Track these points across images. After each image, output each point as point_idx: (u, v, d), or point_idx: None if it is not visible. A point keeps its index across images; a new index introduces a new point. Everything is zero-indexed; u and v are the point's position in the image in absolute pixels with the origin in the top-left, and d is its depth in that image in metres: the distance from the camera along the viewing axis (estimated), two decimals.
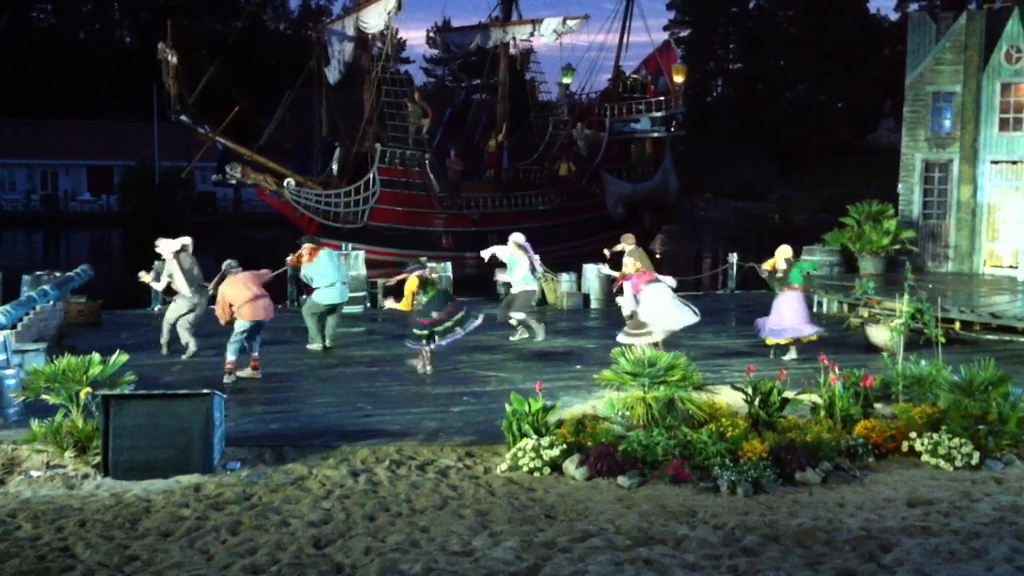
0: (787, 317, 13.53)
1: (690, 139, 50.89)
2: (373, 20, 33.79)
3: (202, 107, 31.33)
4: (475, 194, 35.79)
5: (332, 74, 34.67)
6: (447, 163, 35.47)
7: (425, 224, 33.56)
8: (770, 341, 13.59)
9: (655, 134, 42.42)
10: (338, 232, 30.68)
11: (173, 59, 29.31)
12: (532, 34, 39.43)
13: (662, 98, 41.84)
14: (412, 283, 12.35)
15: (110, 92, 68.39)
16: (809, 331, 13.56)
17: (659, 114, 41.83)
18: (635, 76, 43.37)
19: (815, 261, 17.52)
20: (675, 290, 13.67)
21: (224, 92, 31.05)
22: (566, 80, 42.62)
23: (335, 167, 33.54)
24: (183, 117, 30.45)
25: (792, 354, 13.56)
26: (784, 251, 13.89)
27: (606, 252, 15.34)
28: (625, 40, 44.43)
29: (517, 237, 14.86)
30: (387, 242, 31.86)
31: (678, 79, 42.22)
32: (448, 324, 12.25)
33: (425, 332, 12.22)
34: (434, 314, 12.22)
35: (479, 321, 12.65)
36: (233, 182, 33.15)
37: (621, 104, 42.20)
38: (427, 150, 34.67)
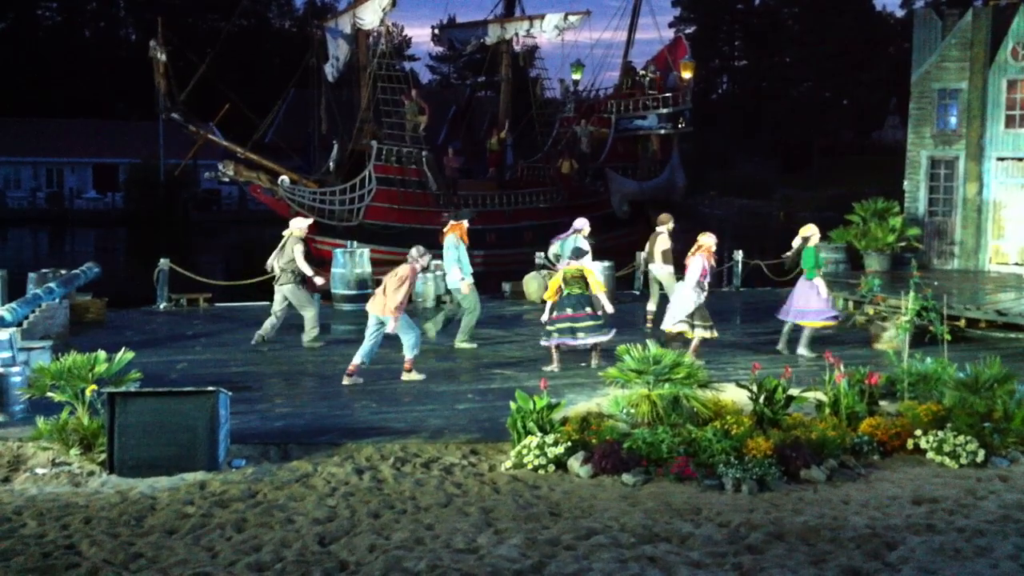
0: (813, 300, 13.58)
1: (695, 136, 50.68)
2: (369, 17, 33.73)
3: (199, 106, 31.28)
4: (473, 192, 35.65)
5: (330, 71, 34.61)
6: (444, 161, 35.36)
7: (422, 222, 33.40)
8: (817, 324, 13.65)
9: (662, 131, 42.19)
10: (333, 230, 30.57)
11: (163, 57, 29.32)
12: (532, 30, 39.23)
13: (669, 95, 41.60)
14: (556, 280, 12.37)
15: (115, 90, 68.44)
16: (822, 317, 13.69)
17: (666, 111, 41.58)
18: (643, 72, 43.14)
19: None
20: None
21: (220, 90, 31.06)
22: (576, 76, 42.38)
23: (331, 165, 33.46)
24: (174, 115, 30.45)
25: (781, 345, 13.68)
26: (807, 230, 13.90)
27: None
28: (633, 36, 44.22)
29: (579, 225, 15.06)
30: (383, 240, 31.65)
31: (686, 75, 41.95)
32: (571, 326, 12.16)
33: (553, 328, 12.24)
34: (568, 310, 12.21)
35: (606, 336, 12.38)
36: (226, 179, 33.04)
37: (628, 101, 41.96)
38: (424, 148, 34.54)
